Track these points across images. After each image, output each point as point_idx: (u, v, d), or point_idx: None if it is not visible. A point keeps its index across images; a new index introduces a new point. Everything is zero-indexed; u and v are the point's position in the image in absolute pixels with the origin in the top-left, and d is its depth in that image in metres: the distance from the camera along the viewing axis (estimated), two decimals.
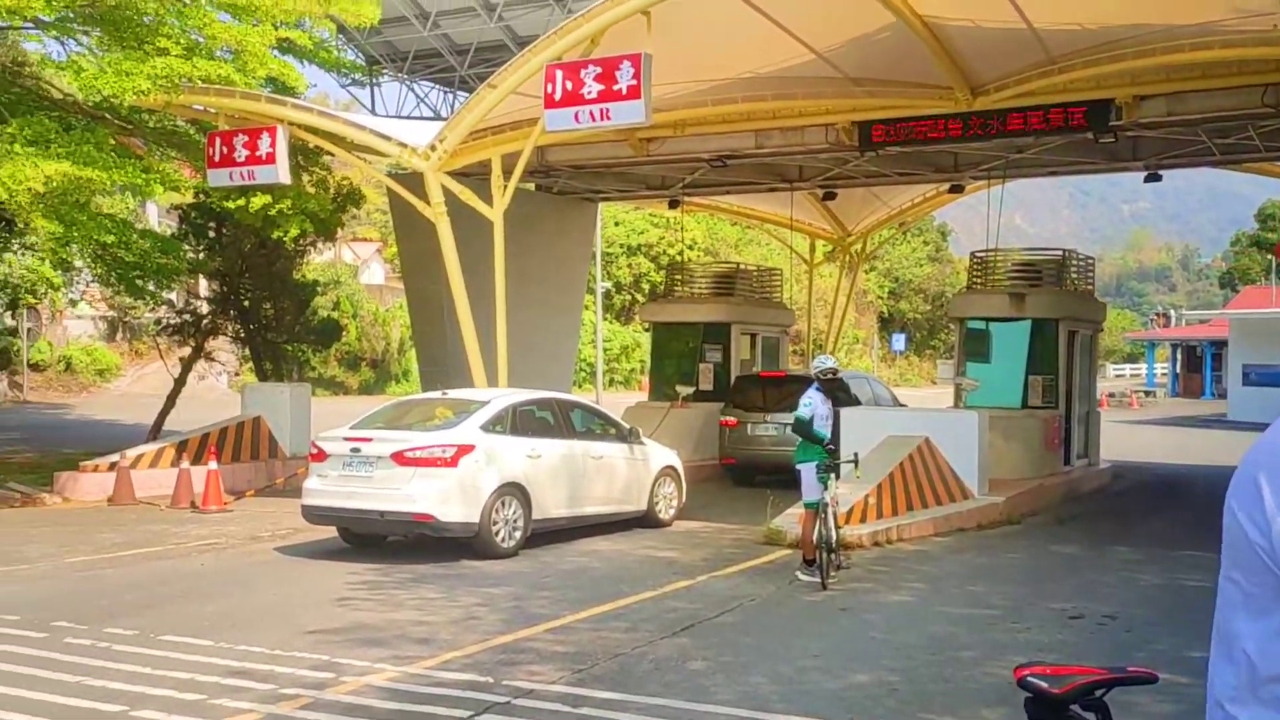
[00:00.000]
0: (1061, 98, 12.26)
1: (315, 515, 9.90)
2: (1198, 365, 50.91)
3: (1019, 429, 14.56)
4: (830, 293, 28.10)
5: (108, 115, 13.02)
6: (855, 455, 9.26)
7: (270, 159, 13.04)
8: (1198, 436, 28.04)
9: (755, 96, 13.22)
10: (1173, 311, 62.44)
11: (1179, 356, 52.87)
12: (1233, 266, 61.65)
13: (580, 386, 36.10)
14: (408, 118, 21.91)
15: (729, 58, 12.54)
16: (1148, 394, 46.82)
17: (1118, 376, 65.94)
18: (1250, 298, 41.11)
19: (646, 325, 20.27)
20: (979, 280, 16.46)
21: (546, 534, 10.26)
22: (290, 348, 19.42)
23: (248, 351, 19.62)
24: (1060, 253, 16.65)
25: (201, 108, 13.96)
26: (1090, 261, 17.43)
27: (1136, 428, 29.42)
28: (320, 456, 9.82)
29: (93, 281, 19.57)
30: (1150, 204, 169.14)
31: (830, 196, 19.40)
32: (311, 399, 16.30)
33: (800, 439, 8.96)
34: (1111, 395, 40.60)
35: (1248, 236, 59.28)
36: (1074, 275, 16.52)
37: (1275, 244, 46.09)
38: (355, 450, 9.61)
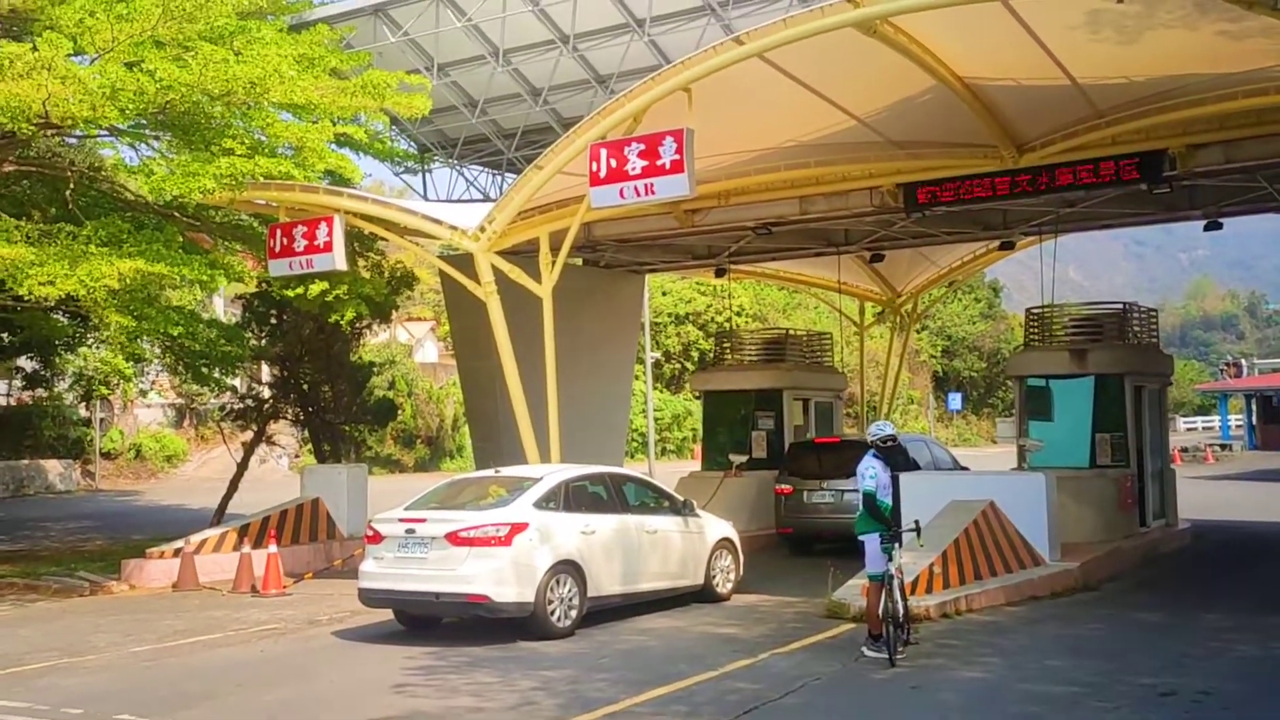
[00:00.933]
0: (1111, 151, 12.05)
1: (371, 598, 9.88)
2: (1275, 415, 48.96)
3: (1089, 490, 14.03)
4: (882, 354, 27.79)
5: (176, 213, 13.55)
6: (916, 523, 8.97)
7: (328, 247, 13.45)
8: None
9: (798, 164, 13.29)
10: (1244, 360, 60.42)
11: (1254, 407, 50.94)
12: None
13: (633, 457, 35.95)
14: (459, 200, 22.53)
15: (770, 128, 12.66)
16: (1223, 447, 45.04)
17: (1189, 430, 63.71)
18: None
19: (697, 394, 20.16)
20: (1036, 337, 16.11)
21: (602, 612, 10.08)
22: (348, 428, 19.70)
23: (307, 434, 19.94)
24: (1120, 306, 16.25)
25: (263, 202, 14.48)
26: (1152, 313, 16.96)
27: (1214, 484, 28.22)
28: (376, 538, 9.83)
29: (162, 371, 20.14)
30: (1209, 251, 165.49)
31: (878, 259, 19.30)
32: (368, 478, 16.46)
33: (862, 508, 8.75)
34: (1184, 450, 39.12)
35: None
36: (1136, 328, 16.07)
37: None
38: (410, 531, 9.61)
